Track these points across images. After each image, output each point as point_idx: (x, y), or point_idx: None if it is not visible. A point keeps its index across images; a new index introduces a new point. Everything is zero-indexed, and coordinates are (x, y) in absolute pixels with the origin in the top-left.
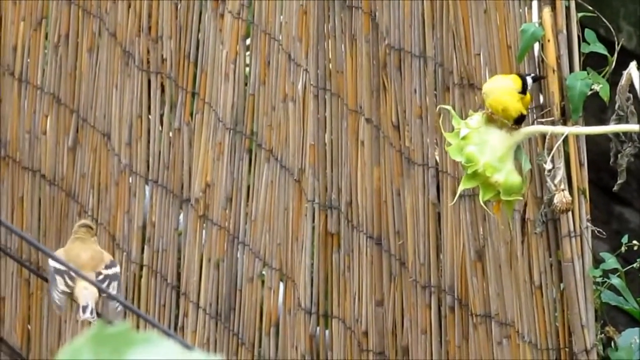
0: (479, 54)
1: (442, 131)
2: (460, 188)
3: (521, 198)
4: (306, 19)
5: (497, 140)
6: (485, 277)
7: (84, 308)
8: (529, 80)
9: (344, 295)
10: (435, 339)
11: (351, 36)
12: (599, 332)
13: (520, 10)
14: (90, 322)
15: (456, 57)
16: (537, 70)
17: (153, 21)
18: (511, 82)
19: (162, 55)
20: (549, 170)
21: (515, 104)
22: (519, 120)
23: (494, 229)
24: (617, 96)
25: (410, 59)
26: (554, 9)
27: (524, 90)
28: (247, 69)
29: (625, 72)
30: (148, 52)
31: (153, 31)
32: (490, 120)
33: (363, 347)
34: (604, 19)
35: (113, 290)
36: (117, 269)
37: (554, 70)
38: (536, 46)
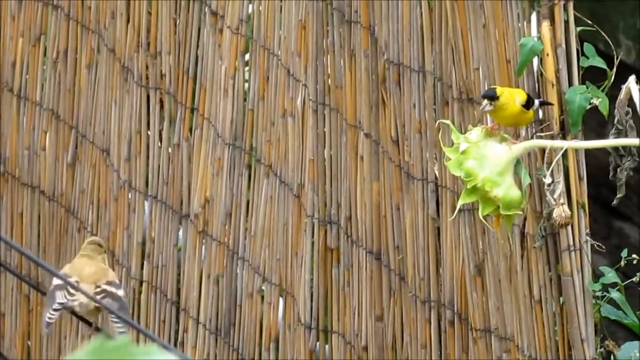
0: (478, 69)
1: (442, 146)
2: (460, 202)
3: (521, 212)
4: (305, 34)
5: (497, 154)
6: (484, 291)
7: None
8: (537, 101)
9: (343, 310)
10: (435, 354)
11: (350, 51)
12: (599, 346)
13: (519, 24)
14: (90, 336)
15: (455, 72)
16: (537, 84)
17: (152, 37)
18: (515, 94)
19: (161, 71)
20: (549, 185)
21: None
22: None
23: (493, 243)
24: (616, 110)
25: (409, 74)
26: (552, 23)
27: (527, 106)
28: (246, 84)
29: (624, 86)
30: (147, 67)
31: (152, 47)
32: (490, 134)
33: None
34: (603, 33)
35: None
36: (121, 292)
37: (552, 84)
38: (535, 60)
